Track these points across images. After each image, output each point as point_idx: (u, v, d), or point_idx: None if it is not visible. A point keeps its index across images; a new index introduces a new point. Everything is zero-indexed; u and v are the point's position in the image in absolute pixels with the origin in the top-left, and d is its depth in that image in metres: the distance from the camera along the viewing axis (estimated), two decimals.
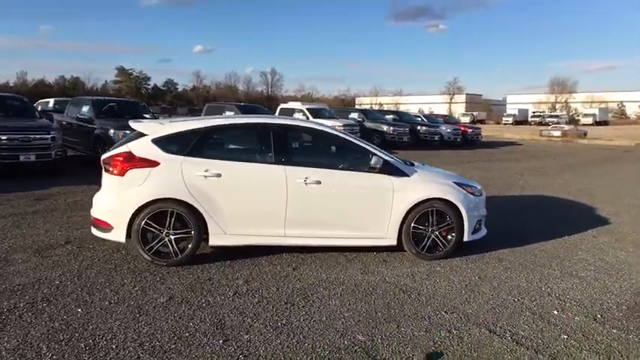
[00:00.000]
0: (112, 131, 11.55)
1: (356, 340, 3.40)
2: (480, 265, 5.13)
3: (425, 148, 21.87)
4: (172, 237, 4.75)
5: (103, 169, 4.92)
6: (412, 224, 5.14)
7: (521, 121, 67.72)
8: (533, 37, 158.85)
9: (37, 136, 10.23)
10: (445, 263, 5.14)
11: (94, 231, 4.98)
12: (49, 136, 10.33)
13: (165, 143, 4.85)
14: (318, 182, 4.91)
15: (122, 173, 4.71)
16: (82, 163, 12.28)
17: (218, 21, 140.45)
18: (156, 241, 4.74)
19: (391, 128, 21.10)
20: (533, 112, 72.07)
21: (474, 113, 66.60)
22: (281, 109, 20.65)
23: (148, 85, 77.67)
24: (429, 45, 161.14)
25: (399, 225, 5.14)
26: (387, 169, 5.11)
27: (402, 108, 59.83)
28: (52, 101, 18.25)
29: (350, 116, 22.04)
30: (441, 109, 66.59)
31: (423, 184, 5.23)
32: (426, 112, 42.66)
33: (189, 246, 4.78)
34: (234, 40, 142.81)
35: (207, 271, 4.71)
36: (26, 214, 6.83)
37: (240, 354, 3.18)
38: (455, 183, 5.40)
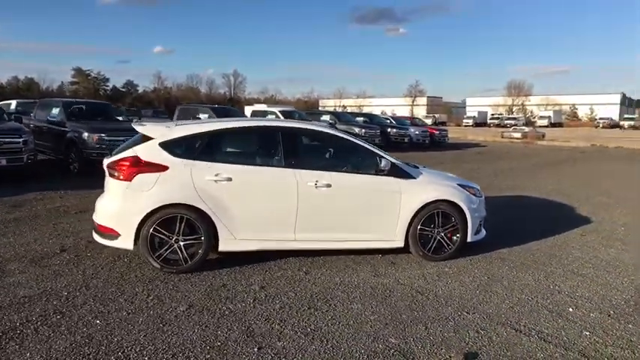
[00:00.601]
0: (85, 134, 11.14)
1: (390, 344, 3.41)
2: (485, 265, 5.24)
3: (395, 149, 22.13)
4: (182, 243, 4.63)
5: (107, 174, 4.73)
6: (419, 226, 5.20)
7: (480, 123, 69.81)
8: (490, 42, 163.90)
9: (8, 140, 9.74)
10: (452, 264, 5.23)
11: (98, 238, 4.78)
12: (20, 139, 9.84)
13: (174, 147, 4.72)
14: (329, 185, 4.90)
15: (129, 178, 4.54)
16: (52, 167, 11.80)
17: (178, 21, 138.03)
18: (165, 248, 4.60)
19: (363, 130, 21.26)
20: (492, 115, 74.47)
21: (436, 115, 68.06)
22: (253, 111, 20.46)
23: (107, 86, 75.10)
24: (390, 48, 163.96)
25: (406, 227, 5.19)
26: (395, 171, 5.15)
27: (366, 110, 60.48)
28: (14, 103, 17.40)
29: (322, 118, 22.09)
30: (404, 112, 67.69)
31: (429, 186, 5.30)
32: (389, 114, 43.20)
33: (200, 252, 4.66)
34: (194, 41, 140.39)
35: (218, 277, 4.61)
36: (7, 221, 6.48)
37: None
38: (458, 185, 5.51)
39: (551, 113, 72.64)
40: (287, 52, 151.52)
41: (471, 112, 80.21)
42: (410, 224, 5.18)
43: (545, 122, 65.75)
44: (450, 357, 3.22)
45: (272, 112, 19.73)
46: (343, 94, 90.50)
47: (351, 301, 4.16)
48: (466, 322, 3.79)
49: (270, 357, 3.18)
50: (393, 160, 5.22)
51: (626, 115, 72.69)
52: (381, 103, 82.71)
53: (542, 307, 4.14)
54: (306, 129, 5.60)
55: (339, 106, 76.56)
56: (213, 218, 4.65)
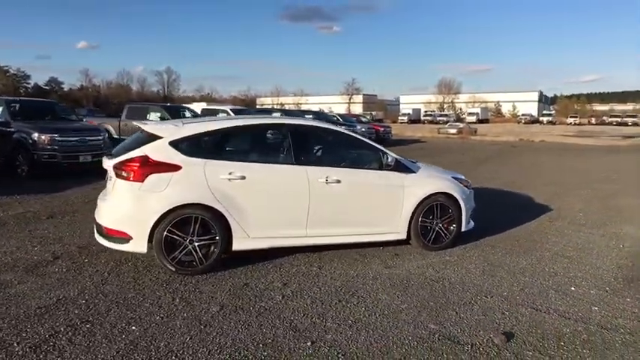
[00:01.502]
0: (35, 135, 10.46)
1: (431, 329, 3.57)
2: (480, 253, 5.56)
3: None
4: (196, 244, 4.54)
5: (114, 175, 4.52)
6: (420, 218, 5.43)
7: (415, 120, 72.30)
8: (418, 41, 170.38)
9: None
10: (450, 253, 5.50)
11: (105, 242, 4.57)
12: None
13: (184, 145, 4.60)
14: (338, 181, 4.99)
15: (141, 179, 4.38)
16: None
17: (102, 15, 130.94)
18: (179, 250, 4.49)
19: None
20: (425, 112, 77.44)
21: (373, 113, 69.62)
22: (203, 109, 19.99)
23: (28, 83, 69.90)
24: (326, 46, 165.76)
25: (409, 219, 5.39)
26: (398, 166, 5.34)
27: (303, 108, 60.76)
28: None
29: (273, 116, 21.96)
30: (340, 109, 68.66)
31: (428, 180, 5.55)
32: (326, 111, 43.75)
33: (215, 252, 4.59)
34: (121, 37, 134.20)
35: (236, 276, 4.57)
36: None
37: (338, 353, 3.19)
38: (452, 177, 5.80)
39: (478, 110, 76.77)
40: (222, 49, 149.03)
41: (405, 109, 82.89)
42: (412, 216, 5.39)
43: (473, 119, 69.26)
44: (491, 338, 3.44)
45: (223, 111, 19.38)
46: (280, 92, 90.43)
47: (376, 292, 4.28)
48: (489, 305, 4.04)
49: (326, 350, 3.24)
50: (397, 156, 5.41)
51: (544, 112, 78.38)
52: (318, 101, 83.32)
53: (547, 287, 4.49)
54: (313, 126, 5.66)
55: (277, 104, 76.26)
56: (228, 217, 4.59)
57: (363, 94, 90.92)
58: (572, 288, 4.48)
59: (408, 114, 74.19)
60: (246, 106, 61.60)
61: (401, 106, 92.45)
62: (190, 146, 4.64)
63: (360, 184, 5.17)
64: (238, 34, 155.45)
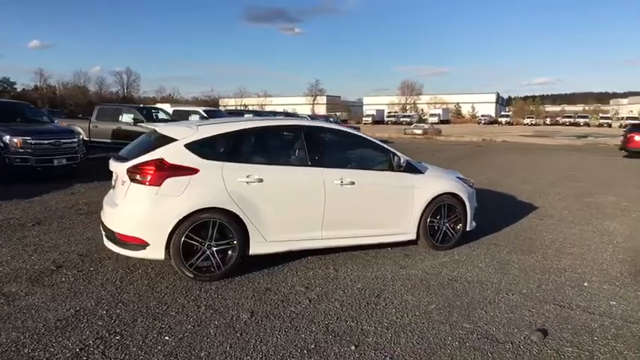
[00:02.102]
0: (7, 137, 9.94)
1: (467, 329, 3.60)
2: (486, 251, 5.66)
3: None
4: (214, 249, 4.41)
5: (128, 179, 4.33)
6: (429, 218, 5.48)
7: (379, 120, 73.20)
8: (381, 43, 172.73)
9: None
10: (458, 252, 5.58)
11: (119, 249, 4.37)
12: None
13: (201, 148, 4.47)
14: (352, 183, 4.97)
15: (158, 183, 4.22)
16: None
17: (57, 13, 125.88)
18: (197, 256, 4.35)
19: None
20: (389, 113, 78.62)
21: (337, 114, 70.06)
22: (174, 111, 19.49)
23: None
24: (289, 48, 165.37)
25: (418, 219, 5.43)
26: (409, 167, 5.37)
27: (268, 109, 60.39)
28: None
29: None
30: (305, 110, 68.69)
31: (436, 180, 5.61)
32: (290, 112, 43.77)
33: (233, 257, 4.48)
34: (77, 36, 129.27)
35: (255, 281, 4.47)
36: None
37: (385, 356, 3.17)
38: (457, 178, 5.89)
39: (440, 111, 78.55)
40: (183, 50, 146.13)
41: (369, 110, 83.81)
42: (421, 217, 5.44)
43: (435, 119, 70.78)
44: (528, 335, 3.50)
45: (195, 112, 18.99)
46: (244, 93, 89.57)
47: (400, 293, 4.29)
48: (514, 303, 4.12)
49: (372, 353, 3.21)
50: (406, 157, 5.44)
51: (503, 113, 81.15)
52: (282, 102, 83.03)
53: (562, 284, 4.62)
54: (326, 127, 5.62)
55: (241, 105, 75.42)
56: (245, 221, 4.49)
57: (327, 96, 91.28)
58: (585, 284, 4.63)
59: (372, 115, 75.04)
60: (208, 107, 60.61)
61: (364, 107, 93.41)
62: (206, 149, 4.51)
63: (373, 186, 5.16)
64: (200, 35, 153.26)
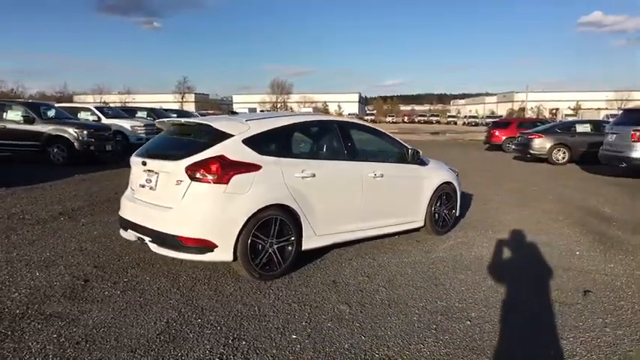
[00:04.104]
0: None
1: (525, 299, 4.12)
2: (477, 234, 6.29)
3: None
4: (275, 247, 4.33)
5: (187, 179, 4.02)
6: (434, 206, 5.97)
7: None
8: (247, 41, 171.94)
9: None
10: (455, 235, 6.15)
11: (180, 254, 4.05)
12: None
13: (256, 144, 4.32)
14: (382, 175, 5.22)
15: (225, 181, 4.00)
16: None
17: None
18: (261, 255, 4.23)
19: None
20: (261, 111, 78.84)
21: (209, 112, 68.29)
22: (63, 108, 17.41)
23: None
24: (151, 43, 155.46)
25: (426, 208, 5.89)
26: (419, 160, 5.79)
27: (132, 106, 56.52)
28: None
29: (138, 115, 20.28)
30: (172, 108, 65.65)
31: (438, 171, 6.12)
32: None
33: (292, 253, 4.44)
34: None
35: (313, 276, 4.49)
36: None
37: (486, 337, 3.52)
38: (449, 168, 6.48)
39: (310, 110, 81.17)
40: (28, 40, 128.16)
41: (240, 108, 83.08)
42: (428, 205, 5.90)
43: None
44: (580, 295, 4.14)
45: (87, 109, 17.26)
46: (104, 89, 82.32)
47: (451, 273, 4.67)
48: (542, 273, 4.76)
49: (489, 327, 3.52)
50: (417, 150, 5.83)
51: (367, 111, 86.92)
52: (148, 99, 78.15)
53: (561, 254, 5.41)
54: (355, 123, 5.74)
55: (101, 102, 69.22)
56: (301, 216, 4.48)
57: (195, 93, 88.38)
58: (577, 252, 5.51)
59: (246, 113, 74.60)
60: (58, 102, 54.51)
61: (234, 105, 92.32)
62: (262, 144, 4.38)
63: (397, 178, 5.47)
64: (46, 26, 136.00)
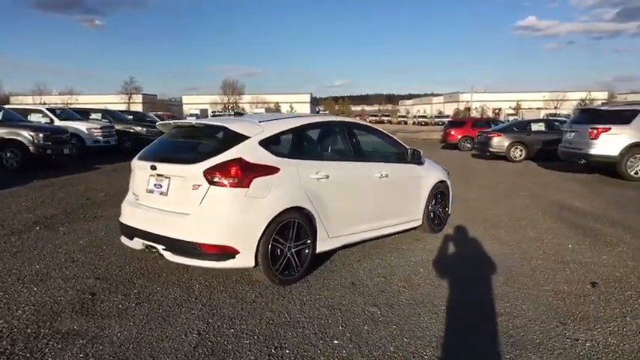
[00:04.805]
0: None
1: (561, 288, 4.25)
2: (472, 231, 6.40)
3: None
4: (293, 250, 4.24)
5: (206, 182, 3.83)
6: (431, 204, 6.04)
7: None
8: (194, 42, 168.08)
9: None
10: (450, 233, 6.26)
11: (199, 262, 3.88)
12: None
13: (272, 145, 4.21)
14: (387, 175, 5.23)
15: (246, 184, 3.86)
16: None
17: None
18: (281, 260, 4.12)
19: (145, 129, 19.74)
20: (213, 112, 77.33)
21: (159, 113, 66.35)
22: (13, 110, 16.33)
23: None
24: (94, 42, 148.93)
25: (424, 206, 5.95)
26: (418, 159, 5.85)
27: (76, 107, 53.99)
28: None
29: (92, 117, 19.31)
30: (120, 109, 63.24)
31: (433, 170, 6.20)
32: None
33: (308, 257, 4.36)
34: None
35: (330, 279, 4.43)
36: None
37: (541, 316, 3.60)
38: (442, 168, 6.58)
39: (263, 110, 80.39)
40: None
41: (191, 109, 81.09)
42: (426, 203, 5.97)
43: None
44: (590, 286, 4.31)
45: (38, 111, 16.28)
46: (44, 90, 77.99)
47: (463, 271, 4.74)
48: (550, 266, 4.92)
49: (501, 325, 3.59)
50: (415, 150, 5.88)
51: (321, 112, 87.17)
52: (92, 100, 74.90)
53: (558, 249, 5.63)
54: (360, 124, 5.71)
55: (40, 103, 65.58)
56: (316, 219, 4.40)
57: (143, 94, 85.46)
58: (569, 246, 5.74)
59: (196, 114, 72.76)
60: None
61: (184, 106, 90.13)
62: (277, 146, 4.27)
63: (400, 178, 5.49)
64: None
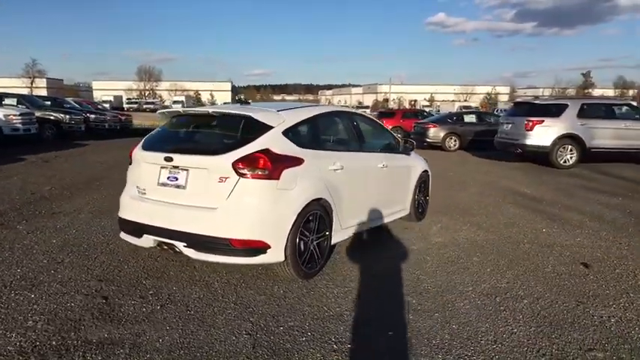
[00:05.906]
0: None
1: (558, 269, 4.54)
2: (455, 219, 6.59)
3: (98, 136, 20.04)
4: (315, 242, 4.15)
5: (235, 174, 3.61)
6: (417, 194, 6.20)
7: (117, 107, 67.25)
8: (103, 23, 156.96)
9: None
10: (432, 221, 6.46)
11: (230, 258, 3.67)
12: None
13: (293, 135, 4.06)
14: (386, 166, 5.27)
15: (277, 176, 3.69)
16: None
17: None
18: (306, 253, 4.02)
19: (68, 117, 18.22)
20: (128, 99, 73.14)
21: (79, 99, 61.43)
22: None
23: None
24: None
25: (412, 196, 6.09)
26: (410, 150, 5.96)
27: None
28: None
29: (6, 102, 17.40)
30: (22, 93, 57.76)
31: (419, 161, 6.33)
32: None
33: (327, 248, 4.29)
34: None
35: (340, 273, 4.40)
36: None
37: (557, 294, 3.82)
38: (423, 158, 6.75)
39: (183, 98, 77.33)
40: None
41: (105, 96, 75.82)
42: (414, 193, 6.10)
43: (179, 106, 69.37)
44: (583, 267, 4.66)
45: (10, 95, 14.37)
46: None
47: (465, 256, 4.91)
48: (538, 249, 5.25)
49: (527, 307, 3.80)
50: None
51: (243, 100, 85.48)
52: None
53: (537, 230, 6.03)
54: (358, 113, 5.60)
55: None
56: (333, 210, 4.34)
57: (48, 78, 78.51)
58: (544, 230, 6.16)
59: (110, 101, 68.45)
60: None
61: (94, 92, 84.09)
62: (298, 136, 4.13)
63: (396, 168, 5.55)
64: None
